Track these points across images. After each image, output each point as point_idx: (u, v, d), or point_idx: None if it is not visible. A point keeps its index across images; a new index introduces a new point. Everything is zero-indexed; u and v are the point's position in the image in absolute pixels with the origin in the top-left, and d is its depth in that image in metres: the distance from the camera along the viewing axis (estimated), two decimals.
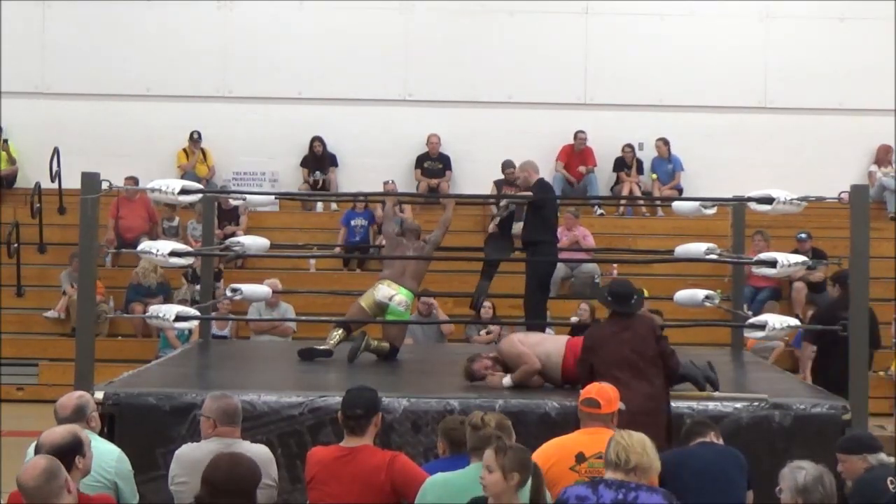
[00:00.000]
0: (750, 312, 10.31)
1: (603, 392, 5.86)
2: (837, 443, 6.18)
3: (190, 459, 5.54)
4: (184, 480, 5.51)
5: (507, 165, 15.53)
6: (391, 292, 9.17)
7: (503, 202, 10.00)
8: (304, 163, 17.32)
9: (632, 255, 14.62)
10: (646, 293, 13.20)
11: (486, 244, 9.85)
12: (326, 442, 6.40)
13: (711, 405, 7.35)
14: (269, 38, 17.34)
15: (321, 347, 9.28)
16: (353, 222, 15.84)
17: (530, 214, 9.26)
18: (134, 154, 16.59)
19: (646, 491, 4.71)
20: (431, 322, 12.73)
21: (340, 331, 9.33)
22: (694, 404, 7.33)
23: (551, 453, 5.66)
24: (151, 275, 14.48)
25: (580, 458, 5.57)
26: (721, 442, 6.17)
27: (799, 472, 4.62)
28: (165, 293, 14.43)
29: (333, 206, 16.94)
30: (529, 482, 4.76)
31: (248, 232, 14.03)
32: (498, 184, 16.20)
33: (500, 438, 5.11)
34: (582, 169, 17.14)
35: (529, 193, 9.15)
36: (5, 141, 17.10)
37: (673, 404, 7.28)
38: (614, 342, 6.91)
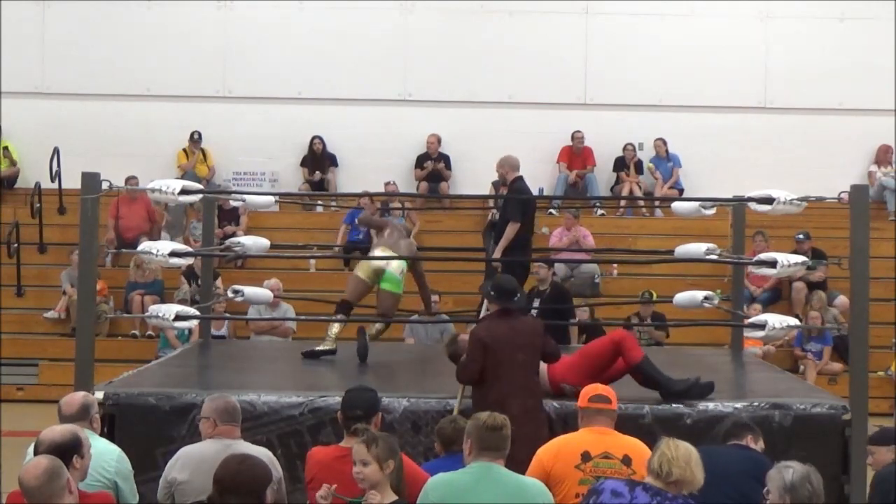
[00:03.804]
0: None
1: (607, 389, 5.94)
2: (868, 436, 6.33)
3: (191, 459, 5.55)
4: (185, 479, 5.51)
5: None
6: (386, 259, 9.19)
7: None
8: (304, 163, 17.33)
9: (632, 255, 14.63)
10: (654, 295, 13.24)
11: (485, 239, 9.86)
12: (326, 442, 6.41)
13: (711, 405, 7.34)
14: (269, 38, 17.34)
15: (323, 347, 9.29)
16: (356, 220, 15.90)
17: (503, 219, 9.27)
18: (134, 154, 16.60)
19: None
20: (433, 322, 12.71)
21: (337, 326, 9.32)
22: (694, 404, 7.32)
23: (556, 450, 5.68)
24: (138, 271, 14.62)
25: (586, 456, 5.57)
26: (761, 446, 6.14)
27: (786, 470, 4.64)
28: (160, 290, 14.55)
29: (333, 205, 16.93)
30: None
31: (248, 232, 14.04)
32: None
33: (366, 430, 5.14)
34: (572, 176, 17.14)
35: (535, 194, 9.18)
36: (5, 148, 17.09)
37: (674, 406, 7.29)
38: (510, 342, 6.84)
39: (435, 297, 13.06)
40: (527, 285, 9.81)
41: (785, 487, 4.58)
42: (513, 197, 9.22)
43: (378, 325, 9.42)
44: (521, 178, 9.35)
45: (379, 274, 9.16)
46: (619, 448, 5.62)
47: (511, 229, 9.05)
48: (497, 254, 9.05)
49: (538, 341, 6.97)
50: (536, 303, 11.39)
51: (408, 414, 7.21)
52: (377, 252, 9.32)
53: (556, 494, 5.45)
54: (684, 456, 4.72)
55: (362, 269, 9.27)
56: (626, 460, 5.59)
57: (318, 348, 9.32)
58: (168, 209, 15.91)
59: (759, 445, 6.14)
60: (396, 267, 9.12)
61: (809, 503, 4.57)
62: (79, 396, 5.67)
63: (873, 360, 9.95)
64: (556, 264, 14.70)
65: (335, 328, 9.31)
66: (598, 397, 5.83)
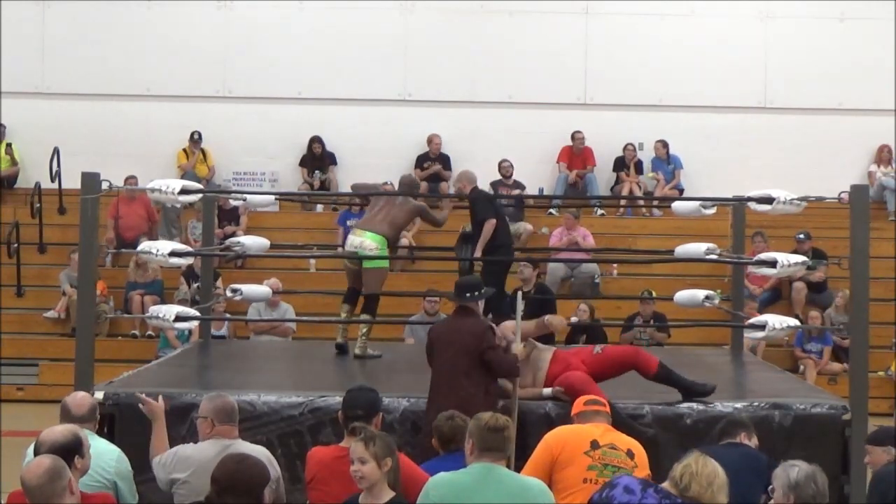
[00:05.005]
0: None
1: (600, 395, 6.32)
2: (866, 436, 6.41)
3: (190, 460, 5.55)
4: (184, 480, 5.52)
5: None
6: (358, 239, 9.34)
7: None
8: (304, 162, 17.33)
9: (632, 255, 14.63)
10: (654, 294, 13.27)
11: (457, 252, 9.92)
12: (326, 442, 6.41)
13: (711, 405, 7.34)
14: (269, 38, 17.34)
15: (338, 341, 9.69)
16: (349, 223, 15.84)
17: (475, 226, 9.40)
18: (134, 154, 16.60)
19: None
20: (433, 322, 12.70)
21: (346, 307, 9.57)
22: (694, 405, 7.33)
23: (566, 436, 5.81)
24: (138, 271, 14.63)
25: (594, 444, 5.71)
26: (755, 442, 6.19)
27: (791, 469, 4.64)
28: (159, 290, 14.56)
29: (333, 205, 16.93)
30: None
31: (248, 232, 14.03)
32: (494, 185, 16.22)
33: (364, 428, 5.16)
34: (572, 176, 17.16)
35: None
36: (9, 145, 17.12)
37: (674, 406, 7.29)
38: (444, 342, 6.94)
39: (435, 298, 13.10)
40: (509, 286, 9.95)
41: (789, 485, 4.58)
42: (498, 196, 9.35)
43: (363, 328, 9.45)
44: (476, 188, 9.74)
45: (355, 253, 9.34)
46: (622, 443, 5.81)
47: (489, 226, 9.27)
48: (478, 252, 9.21)
49: (472, 343, 6.83)
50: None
51: (408, 414, 7.23)
52: (354, 233, 9.50)
53: (561, 479, 5.59)
54: (708, 475, 4.46)
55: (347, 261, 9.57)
56: (630, 454, 5.75)
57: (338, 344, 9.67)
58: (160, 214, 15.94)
59: (753, 442, 6.20)
60: (369, 244, 9.24)
61: (814, 502, 4.56)
62: (88, 398, 5.69)
63: (873, 360, 9.95)
64: (557, 264, 14.73)
65: (343, 315, 9.64)
66: (594, 401, 6.10)
